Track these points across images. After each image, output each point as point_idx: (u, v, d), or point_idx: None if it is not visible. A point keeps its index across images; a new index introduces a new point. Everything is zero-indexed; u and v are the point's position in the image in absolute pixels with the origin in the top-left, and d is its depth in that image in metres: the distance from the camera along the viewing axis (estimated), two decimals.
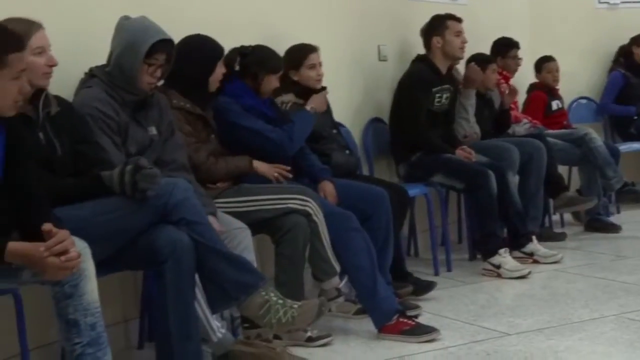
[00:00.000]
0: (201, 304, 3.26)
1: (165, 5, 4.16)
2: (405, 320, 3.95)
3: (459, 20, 5.59)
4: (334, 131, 4.88)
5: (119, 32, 3.56)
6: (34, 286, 2.96)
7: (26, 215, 2.86)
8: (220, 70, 4.06)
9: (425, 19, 5.67)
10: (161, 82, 3.79)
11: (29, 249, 2.65)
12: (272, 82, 4.36)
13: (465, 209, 5.97)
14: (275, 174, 4.15)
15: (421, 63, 5.62)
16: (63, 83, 3.52)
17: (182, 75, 3.90)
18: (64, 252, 2.64)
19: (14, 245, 2.66)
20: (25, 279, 2.83)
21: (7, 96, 2.70)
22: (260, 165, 4.15)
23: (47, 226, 2.67)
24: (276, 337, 3.64)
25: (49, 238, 2.64)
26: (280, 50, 4.56)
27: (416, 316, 4.15)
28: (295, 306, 3.22)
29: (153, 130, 3.66)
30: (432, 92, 5.48)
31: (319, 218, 3.96)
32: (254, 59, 4.28)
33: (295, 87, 4.65)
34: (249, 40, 4.38)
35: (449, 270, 5.40)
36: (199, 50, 4.00)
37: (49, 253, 2.61)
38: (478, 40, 6.04)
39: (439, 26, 5.55)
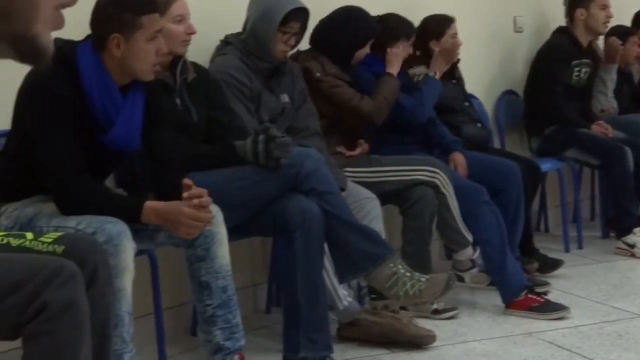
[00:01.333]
0: (329, 273, 3.30)
1: None
2: (534, 297, 3.91)
3: None
4: (466, 104, 4.82)
5: (255, 0, 3.62)
6: (168, 248, 3.06)
7: (162, 179, 2.96)
8: (367, 48, 4.07)
9: None
10: (297, 48, 3.84)
11: (167, 205, 2.76)
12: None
13: (600, 185, 5.82)
14: None
15: (562, 35, 5.44)
16: (200, 50, 3.60)
17: (333, 44, 3.95)
18: (201, 206, 2.73)
19: (151, 204, 2.77)
20: (161, 240, 2.94)
21: (145, 58, 2.79)
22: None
23: (187, 180, 2.77)
24: (402, 308, 3.66)
25: (187, 191, 2.74)
26: (415, 22, 4.53)
27: (545, 293, 4.09)
28: (423, 279, 3.23)
29: (285, 98, 3.70)
30: (571, 66, 5.34)
31: (448, 190, 3.95)
32: (382, 28, 4.25)
33: (427, 59, 4.61)
34: (384, 9, 4.35)
35: (580, 247, 5.27)
36: (356, 24, 4.01)
37: (187, 202, 2.71)
38: (619, 11, 5.82)
39: None
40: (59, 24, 1.02)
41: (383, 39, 4.21)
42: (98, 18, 2.78)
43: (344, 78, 4.01)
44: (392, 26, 4.28)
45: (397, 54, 4.15)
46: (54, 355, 2.18)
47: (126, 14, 2.74)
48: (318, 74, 3.91)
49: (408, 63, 4.45)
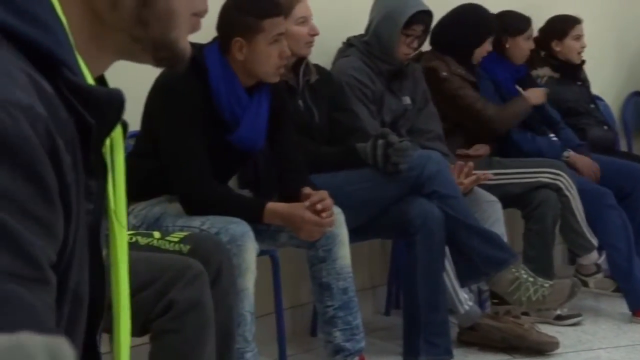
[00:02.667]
0: (450, 276, 3.27)
1: None
2: None
3: None
4: (591, 106, 4.70)
5: (378, 2, 3.61)
6: (290, 249, 3.08)
7: (286, 179, 2.99)
8: (487, 46, 4.01)
9: None
10: (419, 50, 3.81)
11: (289, 207, 2.79)
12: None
13: None
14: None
15: None
16: (322, 52, 3.59)
17: (453, 43, 3.90)
18: (323, 210, 2.75)
19: (273, 205, 2.80)
20: (283, 241, 2.96)
21: (268, 61, 2.81)
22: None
23: (307, 189, 2.80)
24: (524, 313, 3.59)
25: (305, 200, 2.77)
26: (540, 21, 4.45)
27: None
28: (547, 285, 3.17)
29: (407, 100, 3.68)
30: None
31: (572, 193, 3.85)
32: (500, 25, 4.15)
33: (552, 60, 4.52)
34: (507, 7, 4.28)
35: None
36: (474, 21, 3.95)
37: (310, 209, 2.73)
38: None
39: None
40: (196, 28, 1.04)
41: (501, 35, 4.15)
42: (222, 22, 2.82)
43: (469, 79, 3.97)
44: (509, 23, 4.21)
45: (539, 96, 4.10)
46: (180, 353, 2.22)
47: (248, 18, 2.77)
48: (444, 73, 3.87)
49: (531, 63, 4.38)
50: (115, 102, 0.91)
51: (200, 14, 1.02)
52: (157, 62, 1.00)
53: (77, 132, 0.86)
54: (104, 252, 0.98)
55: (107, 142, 0.94)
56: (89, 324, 0.94)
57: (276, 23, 2.81)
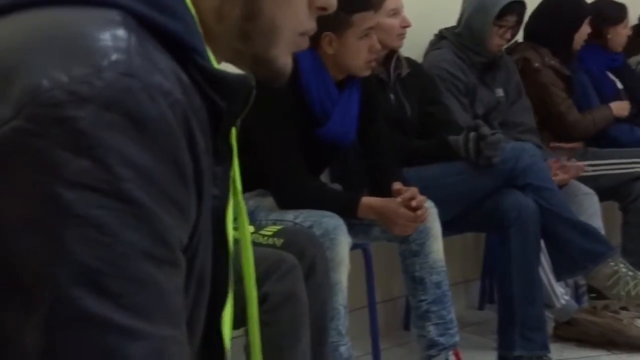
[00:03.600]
0: (545, 270, 3.22)
1: None
2: None
3: None
4: None
5: None
6: (382, 242, 3.07)
7: (377, 173, 2.98)
8: (585, 28, 3.93)
9: None
10: (515, 40, 3.78)
11: (383, 202, 2.78)
12: (620, 33, 4.16)
13: None
14: None
15: None
16: (413, 45, 3.58)
17: (548, 33, 3.84)
18: (417, 206, 2.74)
19: (367, 200, 2.79)
20: (375, 235, 2.95)
21: (358, 55, 2.81)
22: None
23: (397, 185, 2.79)
24: (623, 308, 3.50)
25: (397, 195, 2.76)
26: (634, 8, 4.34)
27: None
28: None
29: (500, 92, 3.64)
30: None
31: None
32: (595, 15, 4.07)
33: None
34: None
35: None
36: (565, 6, 3.89)
37: (403, 205, 2.72)
38: None
39: None
40: (301, 47, 1.05)
41: (600, 25, 4.07)
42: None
43: (562, 71, 3.91)
44: (607, 12, 4.12)
45: (623, 109, 4.03)
46: (275, 346, 2.23)
47: (337, 13, 2.74)
48: (537, 64, 3.83)
49: (628, 49, 4.28)
50: (245, 87, 0.93)
51: (307, 33, 1.03)
52: (257, 77, 1.00)
53: (208, 116, 0.87)
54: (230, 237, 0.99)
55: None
56: (211, 307, 0.96)
57: (366, 17, 2.80)
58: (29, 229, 0.75)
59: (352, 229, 2.75)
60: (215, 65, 0.94)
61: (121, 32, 0.82)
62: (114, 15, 0.84)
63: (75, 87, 0.76)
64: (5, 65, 0.79)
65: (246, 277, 1.04)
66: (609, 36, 4.10)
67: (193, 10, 0.92)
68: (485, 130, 3.10)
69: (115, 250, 0.76)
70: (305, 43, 1.04)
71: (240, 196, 1.01)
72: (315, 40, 2.78)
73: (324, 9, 1.03)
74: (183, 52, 0.88)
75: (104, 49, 0.79)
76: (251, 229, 2.53)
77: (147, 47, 0.83)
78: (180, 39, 0.87)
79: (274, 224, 2.65)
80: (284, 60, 1.01)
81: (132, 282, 0.77)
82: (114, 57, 0.79)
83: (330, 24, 2.76)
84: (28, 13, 0.85)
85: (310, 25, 1.03)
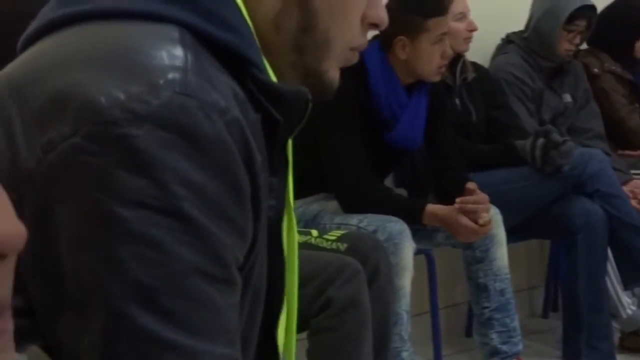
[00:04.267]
0: (612, 279, 3.18)
1: None
2: None
3: None
4: None
5: None
6: (445, 248, 3.06)
7: (444, 178, 2.98)
8: None
9: None
10: (585, 46, 3.73)
11: (448, 211, 2.75)
12: None
13: None
14: None
15: None
16: (480, 50, 3.57)
17: (609, 39, 3.79)
18: (475, 213, 2.72)
19: (432, 207, 2.77)
20: (439, 241, 2.95)
21: (430, 60, 2.80)
22: None
23: (471, 185, 2.79)
24: None
25: (470, 194, 2.76)
26: None
27: None
28: None
29: (568, 98, 3.61)
30: None
31: None
32: None
33: None
34: None
35: None
36: (628, 14, 3.83)
37: (461, 210, 2.71)
38: None
39: None
40: (351, 61, 1.04)
41: None
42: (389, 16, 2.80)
43: (625, 76, 3.85)
44: None
45: None
46: (338, 351, 2.22)
47: (413, 17, 2.77)
48: (596, 70, 3.79)
49: None
50: (301, 99, 0.92)
51: (358, 48, 1.03)
52: (308, 87, 0.99)
53: (264, 129, 0.87)
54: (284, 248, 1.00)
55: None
56: (266, 317, 0.96)
57: (440, 22, 2.80)
58: (84, 245, 0.75)
59: (416, 235, 2.74)
60: (273, 77, 0.93)
61: (178, 50, 0.82)
62: (171, 31, 0.84)
63: (132, 105, 0.77)
64: (64, 80, 0.79)
65: (289, 284, 1.03)
66: None
67: (250, 22, 0.92)
68: (557, 137, 3.07)
69: (170, 268, 0.77)
70: (355, 58, 1.04)
71: (292, 206, 1.01)
72: (387, 44, 2.81)
73: (375, 25, 1.03)
74: (240, 65, 0.88)
75: (160, 67, 0.80)
76: (315, 233, 2.54)
77: (203, 64, 0.83)
78: (236, 51, 0.87)
79: (338, 228, 2.64)
80: (333, 74, 1.01)
81: (187, 301, 0.77)
82: (170, 75, 0.79)
83: (405, 28, 2.77)
84: (87, 26, 0.86)
85: (362, 41, 1.03)
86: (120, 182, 0.76)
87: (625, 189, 3.30)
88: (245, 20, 0.91)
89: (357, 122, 2.76)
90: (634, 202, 3.26)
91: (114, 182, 0.75)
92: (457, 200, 2.76)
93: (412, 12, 2.77)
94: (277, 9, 0.95)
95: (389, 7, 2.82)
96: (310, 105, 0.93)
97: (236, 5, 0.91)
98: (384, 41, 2.81)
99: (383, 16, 1.03)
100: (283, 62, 0.98)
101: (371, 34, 2.83)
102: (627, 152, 3.75)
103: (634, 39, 3.82)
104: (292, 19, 0.95)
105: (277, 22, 0.95)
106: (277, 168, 0.92)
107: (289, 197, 0.99)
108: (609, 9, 3.74)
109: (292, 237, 1.02)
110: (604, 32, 3.66)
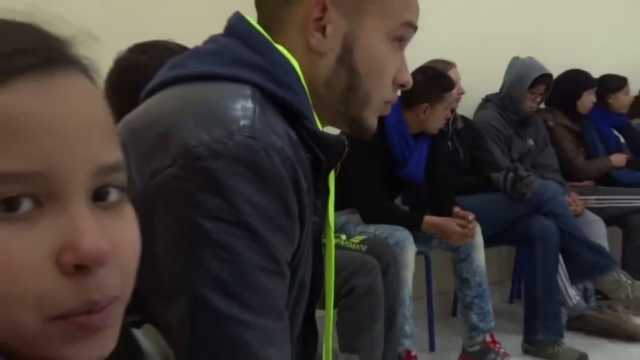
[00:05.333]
0: (562, 276, 3.12)
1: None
2: None
3: None
4: None
5: (510, 68, 3.53)
6: (439, 251, 3.03)
7: (438, 200, 2.96)
8: (589, 96, 3.79)
9: None
10: (543, 105, 3.68)
11: (443, 220, 2.76)
12: (620, 98, 3.97)
13: None
14: None
15: None
16: (466, 106, 3.54)
17: (560, 100, 3.72)
18: (470, 224, 2.74)
19: (429, 218, 2.77)
20: (434, 245, 2.93)
21: (439, 120, 2.84)
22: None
23: (457, 208, 2.80)
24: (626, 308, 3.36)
25: (456, 216, 2.75)
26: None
27: None
28: None
29: (531, 142, 3.58)
30: None
31: None
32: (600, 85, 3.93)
33: None
34: (611, 71, 4.03)
35: None
36: (570, 80, 3.76)
37: (458, 221, 2.73)
38: None
39: None
40: (385, 112, 1.04)
41: (604, 92, 3.91)
42: (414, 88, 2.76)
43: (573, 128, 3.79)
44: (609, 82, 3.95)
45: (621, 161, 3.86)
46: (356, 326, 2.23)
47: (436, 90, 2.79)
48: (551, 123, 3.74)
49: (633, 111, 4.12)
50: (340, 145, 0.94)
51: (390, 102, 1.02)
52: (350, 131, 1.02)
53: (311, 166, 0.89)
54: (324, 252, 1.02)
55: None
56: (309, 300, 0.97)
57: (451, 94, 2.85)
58: (176, 248, 0.77)
59: (416, 240, 2.73)
60: (319, 126, 0.95)
61: (249, 104, 0.84)
62: (246, 89, 0.86)
63: (214, 146, 0.79)
64: (167, 124, 0.81)
65: (327, 276, 1.03)
66: (610, 101, 3.95)
67: (306, 82, 0.93)
68: (522, 172, 3.07)
69: (239, 266, 0.79)
70: (387, 109, 1.03)
71: (331, 221, 1.02)
72: (410, 105, 2.80)
73: (403, 85, 1.02)
74: (295, 116, 0.89)
75: (235, 116, 0.82)
76: (344, 237, 2.56)
77: (267, 115, 0.84)
78: (293, 106, 0.89)
79: (360, 234, 2.66)
80: (372, 121, 1.01)
81: (250, 289, 0.79)
82: (242, 123, 0.81)
83: (430, 97, 2.78)
84: (183, 87, 0.88)
85: (393, 97, 1.03)
86: (204, 202, 0.78)
87: (566, 198, 3.26)
88: (302, 83, 0.92)
89: (375, 160, 2.76)
90: (571, 208, 3.22)
91: (199, 202, 0.77)
92: (454, 211, 2.78)
93: (434, 87, 2.78)
94: (329, 73, 0.96)
95: (414, 77, 2.78)
96: (347, 149, 0.95)
97: (295, 71, 0.92)
98: (406, 102, 2.80)
99: (409, 79, 1.02)
100: (333, 111, 0.99)
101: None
102: (575, 183, 3.68)
103: (574, 99, 3.75)
104: (340, 80, 0.96)
105: (329, 82, 0.96)
106: (321, 194, 0.93)
107: (330, 214, 1.00)
108: (560, 76, 3.68)
109: (330, 243, 1.02)
110: (557, 95, 3.61)
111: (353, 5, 0.94)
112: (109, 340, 0.53)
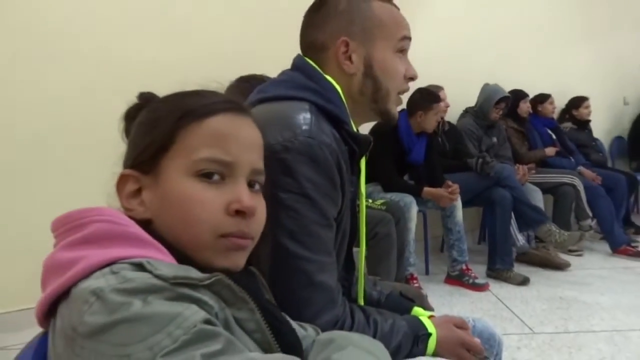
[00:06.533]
0: (513, 226, 3.08)
1: None
2: (630, 248, 3.38)
3: None
4: (593, 143, 4.25)
5: (482, 90, 3.44)
6: (433, 210, 2.98)
7: (433, 176, 2.90)
8: (525, 105, 3.65)
9: None
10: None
11: (436, 190, 2.73)
12: (546, 107, 3.83)
13: None
14: None
15: None
16: (451, 115, 3.48)
17: (510, 111, 3.62)
18: (454, 192, 2.70)
19: (427, 189, 2.74)
20: (430, 206, 2.87)
21: (431, 124, 2.78)
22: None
23: (448, 182, 2.75)
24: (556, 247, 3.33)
25: (447, 187, 2.71)
26: (565, 98, 4.08)
27: (635, 246, 3.49)
28: (566, 234, 2.92)
29: (494, 140, 3.48)
30: None
31: (580, 188, 3.49)
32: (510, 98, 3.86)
33: (573, 119, 4.11)
34: (543, 90, 3.94)
35: None
36: (513, 95, 3.61)
37: (448, 191, 2.68)
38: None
39: None
40: (400, 103, 0.96)
41: (536, 102, 3.79)
42: (413, 101, 2.76)
43: (518, 129, 3.69)
44: (535, 99, 3.81)
45: (551, 151, 3.70)
46: (378, 257, 2.22)
47: (427, 103, 2.73)
48: (504, 126, 3.63)
49: (560, 120, 4.03)
50: (367, 141, 0.90)
51: (403, 92, 0.96)
52: (382, 121, 0.97)
53: (348, 154, 0.86)
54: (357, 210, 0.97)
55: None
56: (349, 244, 0.94)
57: (439, 106, 2.78)
58: (266, 209, 0.72)
59: (418, 202, 2.70)
60: (354, 128, 0.91)
61: (308, 115, 0.81)
62: (305, 105, 0.84)
63: (285, 144, 0.77)
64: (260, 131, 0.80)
65: (360, 226, 1.00)
66: (540, 109, 3.83)
67: (344, 98, 0.89)
68: (488, 159, 3.02)
69: (302, 221, 0.77)
70: (400, 100, 0.96)
71: (363, 189, 0.97)
72: (411, 113, 2.77)
73: (412, 78, 0.95)
74: (338, 122, 0.86)
75: (299, 123, 0.79)
76: (370, 201, 2.54)
77: (319, 122, 0.82)
78: (336, 116, 0.86)
79: (381, 199, 2.63)
80: (395, 111, 0.96)
81: (311, 236, 0.77)
82: (304, 127, 0.79)
83: (423, 107, 2.72)
84: (267, 104, 0.86)
85: (406, 87, 0.95)
86: (279, 180, 0.76)
87: (516, 169, 3.19)
88: (342, 99, 0.89)
89: (391, 150, 2.73)
90: (518, 176, 3.13)
91: (277, 180, 0.75)
92: (445, 184, 2.72)
93: (426, 101, 2.74)
94: (360, 85, 0.91)
95: (414, 96, 2.76)
96: (372, 143, 0.91)
97: (337, 91, 0.89)
98: (410, 111, 2.78)
99: (416, 73, 0.95)
100: (367, 109, 0.94)
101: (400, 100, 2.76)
102: (524, 165, 3.63)
103: (516, 107, 3.65)
104: (368, 87, 0.92)
105: (361, 90, 0.92)
106: (355, 172, 0.90)
107: (362, 186, 0.97)
108: (510, 93, 3.57)
109: (362, 205, 0.99)
110: (509, 107, 3.55)
111: (365, 36, 0.90)
112: (243, 259, 0.64)
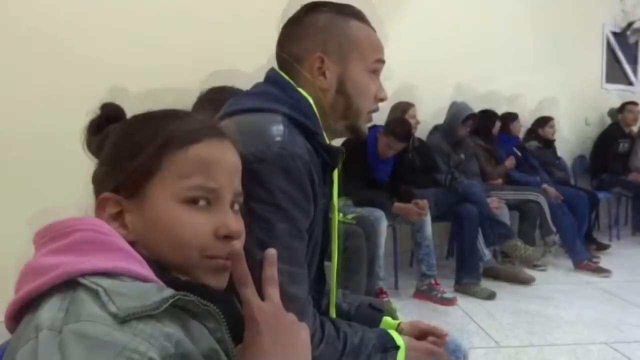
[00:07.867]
0: (479, 241, 3.11)
1: None
2: (590, 263, 3.48)
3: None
4: (557, 161, 4.39)
5: (450, 108, 3.49)
6: (402, 224, 3.00)
7: (402, 193, 2.93)
8: (462, 129, 3.62)
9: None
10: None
11: (405, 206, 2.76)
12: (515, 126, 3.97)
13: (633, 205, 4.98)
14: None
15: (612, 126, 4.84)
16: (422, 132, 3.52)
17: (478, 129, 3.69)
18: (423, 207, 2.71)
19: (397, 204, 2.77)
20: (399, 220, 2.90)
21: (399, 147, 2.79)
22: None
23: (416, 200, 2.76)
24: (521, 262, 3.39)
25: (414, 204, 2.73)
26: (533, 116, 4.22)
27: (597, 262, 3.61)
28: (530, 249, 3.00)
29: (462, 156, 3.53)
30: (618, 142, 4.71)
31: (544, 205, 3.59)
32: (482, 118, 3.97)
33: (538, 138, 4.24)
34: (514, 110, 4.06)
35: (618, 239, 4.60)
36: (485, 116, 3.73)
37: (416, 206, 2.71)
38: None
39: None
40: (370, 120, 0.97)
41: (507, 121, 3.90)
42: (391, 126, 2.79)
43: (486, 147, 3.76)
44: (505, 117, 3.91)
45: (511, 165, 3.78)
46: (348, 271, 2.23)
47: (392, 137, 2.74)
48: (472, 144, 3.69)
49: (525, 139, 4.15)
50: (340, 153, 0.90)
51: (372, 111, 0.97)
52: (352, 136, 0.97)
53: (321, 166, 0.86)
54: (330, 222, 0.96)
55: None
56: (320, 256, 0.94)
57: (414, 112, 2.84)
58: (244, 230, 0.72)
59: (388, 217, 2.71)
60: (327, 140, 0.91)
61: (281, 127, 0.82)
62: (278, 117, 0.84)
63: (258, 155, 0.77)
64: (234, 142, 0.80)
65: (332, 239, 0.99)
66: (510, 128, 3.96)
67: (317, 111, 0.90)
68: (456, 175, 3.09)
69: (274, 231, 0.76)
70: (370, 118, 0.97)
71: (336, 201, 0.97)
72: (381, 134, 2.79)
73: (381, 99, 0.96)
74: (311, 134, 0.86)
75: (272, 135, 0.80)
76: (341, 216, 2.54)
77: (292, 134, 0.82)
78: (309, 128, 0.86)
79: (352, 214, 2.64)
80: (364, 127, 0.97)
81: (282, 246, 0.76)
82: (277, 139, 0.79)
83: (389, 134, 2.75)
84: (240, 116, 0.86)
85: (375, 106, 0.96)
86: (252, 190, 0.75)
87: (489, 200, 3.24)
88: (314, 112, 0.89)
89: (358, 165, 2.76)
90: (493, 206, 3.20)
91: (249, 191, 0.74)
92: (412, 202, 2.74)
93: (392, 134, 2.76)
94: (332, 101, 0.92)
95: (394, 124, 2.77)
96: (344, 155, 0.91)
97: (310, 104, 0.89)
98: (381, 133, 2.80)
99: (386, 95, 0.96)
100: (339, 125, 0.95)
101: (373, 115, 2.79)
102: (491, 182, 3.69)
103: (490, 128, 3.74)
104: (340, 104, 0.92)
105: (333, 107, 0.92)
106: (328, 184, 0.90)
107: (334, 198, 0.96)
108: (478, 113, 3.63)
109: (335, 216, 0.99)
110: (478, 126, 3.62)
111: (340, 55, 0.91)
112: (227, 278, 0.64)
